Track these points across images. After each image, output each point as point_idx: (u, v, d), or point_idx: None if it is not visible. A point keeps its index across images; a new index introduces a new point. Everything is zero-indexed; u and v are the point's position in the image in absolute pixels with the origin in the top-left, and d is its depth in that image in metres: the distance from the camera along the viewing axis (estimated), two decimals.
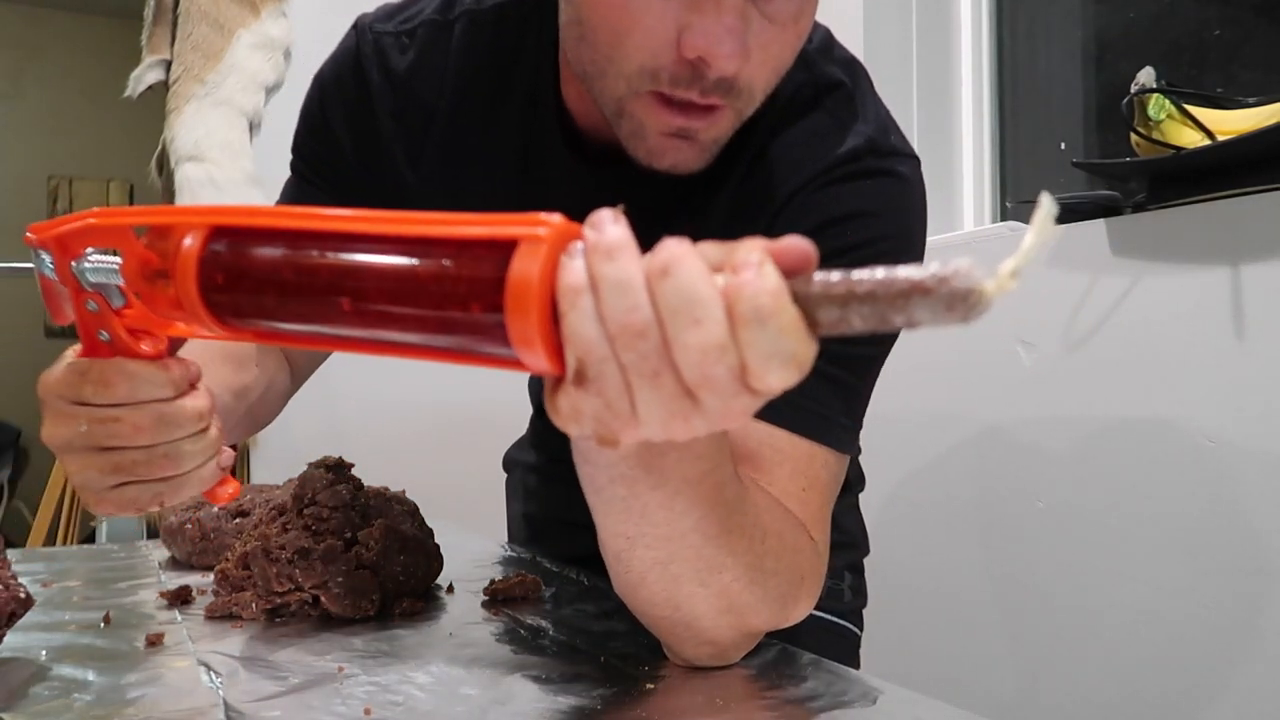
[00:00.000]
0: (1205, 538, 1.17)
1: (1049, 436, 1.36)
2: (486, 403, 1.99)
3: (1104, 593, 1.28)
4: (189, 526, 0.91)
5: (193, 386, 0.53)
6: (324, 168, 0.78)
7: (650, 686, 0.57)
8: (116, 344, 0.50)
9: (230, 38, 1.84)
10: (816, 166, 0.66)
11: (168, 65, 1.87)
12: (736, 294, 0.33)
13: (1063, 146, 1.66)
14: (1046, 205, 0.31)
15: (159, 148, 1.87)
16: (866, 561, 0.97)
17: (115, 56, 2.73)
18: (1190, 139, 1.17)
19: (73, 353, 0.52)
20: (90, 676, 0.57)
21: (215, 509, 0.91)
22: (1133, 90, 1.21)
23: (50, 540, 2.29)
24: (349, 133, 0.75)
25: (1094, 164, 1.40)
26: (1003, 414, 1.43)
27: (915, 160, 0.69)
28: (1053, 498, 1.36)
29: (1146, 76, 1.20)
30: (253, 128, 1.87)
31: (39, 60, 4.19)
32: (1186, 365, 1.19)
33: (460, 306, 0.37)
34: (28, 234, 0.49)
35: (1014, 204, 1.73)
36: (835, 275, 0.33)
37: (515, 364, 0.38)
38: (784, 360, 0.33)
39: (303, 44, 1.93)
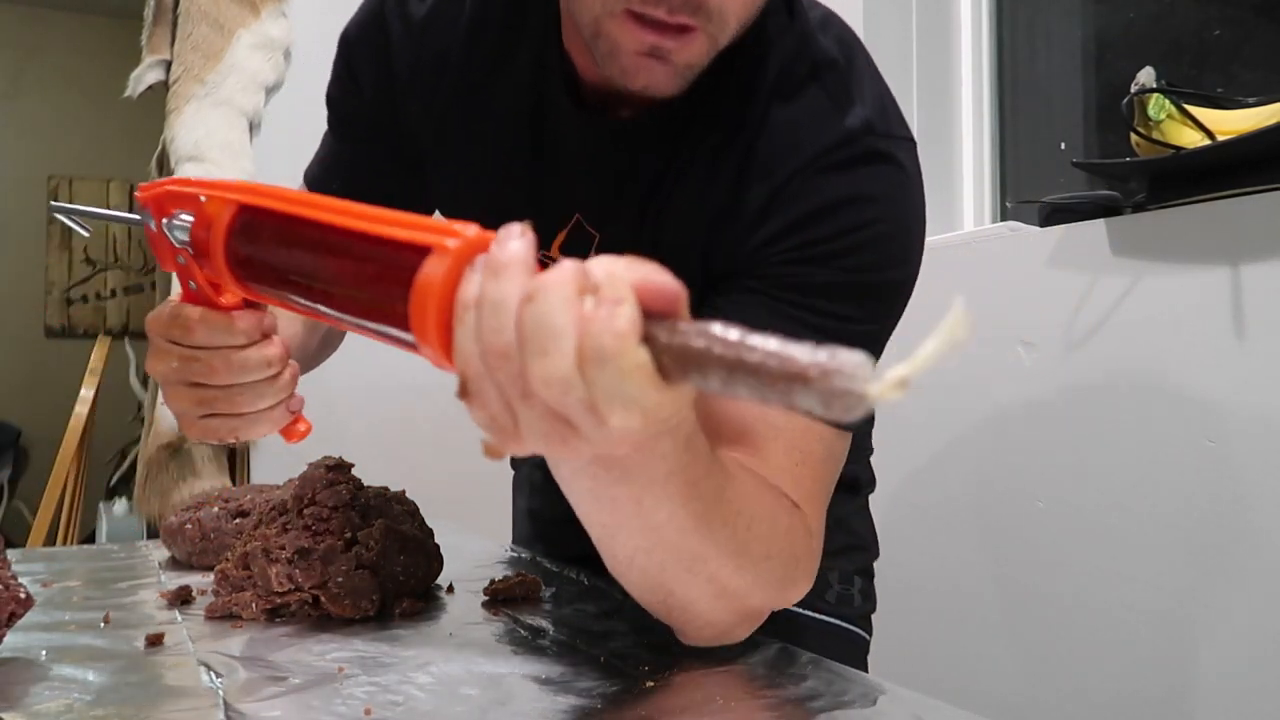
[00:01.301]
0: (1205, 538, 1.17)
1: (1049, 437, 1.36)
2: None
3: (1103, 593, 1.28)
4: (189, 527, 0.91)
5: (265, 336, 0.59)
6: (351, 119, 0.81)
7: (650, 685, 0.57)
8: (201, 293, 0.57)
9: (230, 38, 1.84)
10: (813, 149, 0.66)
11: (168, 65, 1.87)
12: (585, 329, 0.33)
13: (1063, 146, 1.66)
14: (958, 310, 0.27)
15: (159, 148, 1.87)
16: None
17: (115, 56, 2.73)
18: (1190, 139, 1.17)
19: (175, 297, 0.59)
20: (90, 676, 0.57)
21: (215, 509, 0.91)
22: (1133, 90, 1.21)
23: (50, 540, 2.29)
24: (371, 83, 0.78)
25: (1094, 164, 1.40)
26: (1003, 414, 1.43)
27: (912, 144, 0.70)
28: (1053, 498, 1.36)
29: (1146, 76, 1.20)
30: (253, 128, 1.87)
31: (39, 60, 4.19)
32: (1186, 365, 1.19)
33: (399, 301, 0.39)
34: (137, 192, 0.57)
35: (1014, 204, 1.73)
36: (717, 332, 0.30)
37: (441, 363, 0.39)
38: (625, 404, 0.32)
39: (303, 44, 1.93)
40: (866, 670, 0.89)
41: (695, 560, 0.54)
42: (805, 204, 0.65)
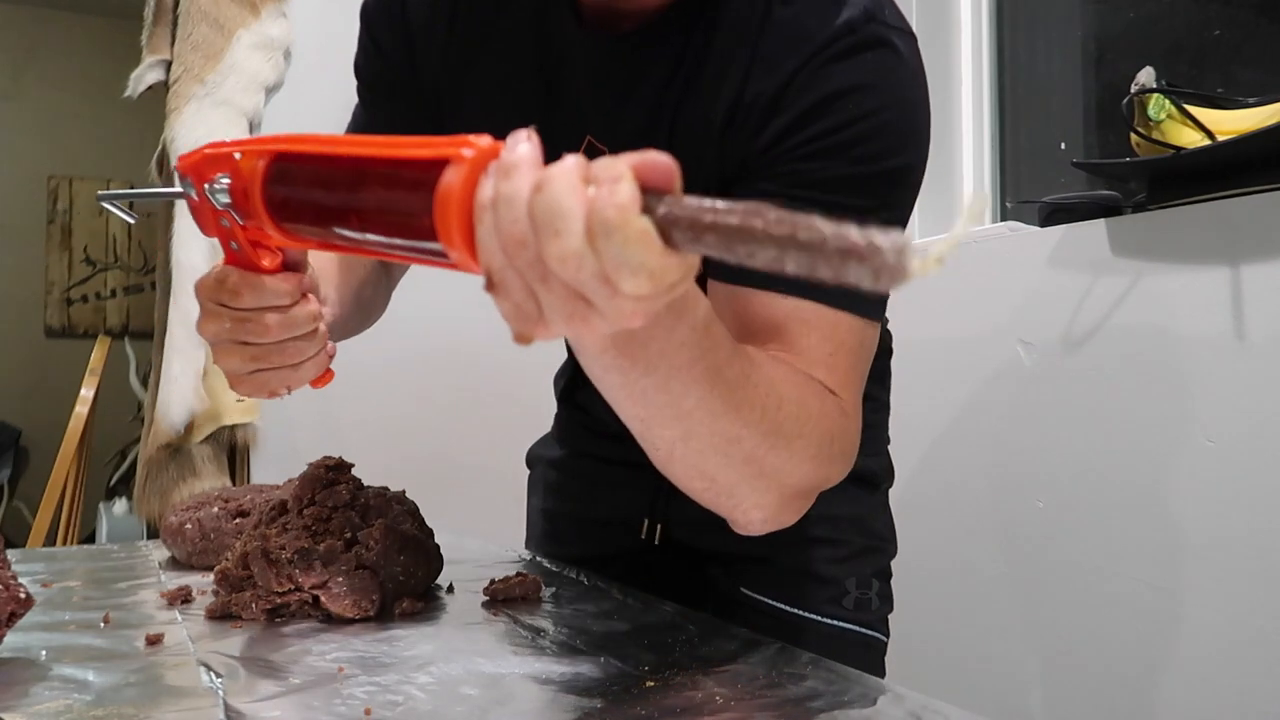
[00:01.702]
0: (1206, 538, 1.17)
1: (1049, 436, 1.36)
2: (487, 404, 1.99)
3: (1102, 593, 1.28)
4: (189, 527, 0.91)
5: (305, 295, 0.63)
6: (377, 84, 0.85)
7: (650, 685, 0.57)
8: (243, 253, 0.60)
9: (230, 38, 1.84)
10: (817, 42, 0.67)
11: (168, 65, 1.87)
12: (591, 207, 0.36)
13: (1063, 146, 1.66)
14: (975, 195, 0.32)
15: (159, 148, 1.87)
16: None
17: (115, 56, 2.73)
18: (1190, 139, 1.17)
19: (220, 261, 0.63)
20: (90, 676, 0.57)
21: (215, 509, 0.91)
22: (1133, 90, 1.21)
23: (50, 540, 2.29)
24: (391, 46, 0.81)
25: (1094, 164, 1.40)
26: (1003, 414, 1.43)
27: (911, 36, 0.71)
28: (1052, 498, 1.36)
29: (1146, 76, 1.20)
30: (253, 128, 1.87)
31: (39, 60, 4.19)
32: (1186, 365, 1.19)
33: (425, 214, 0.42)
34: (175, 164, 0.60)
35: (1014, 204, 1.73)
36: (708, 203, 0.34)
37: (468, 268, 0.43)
38: (633, 269, 0.36)
39: (303, 44, 1.93)
40: (884, 672, 0.89)
41: (730, 442, 0.56)
42: (812, 95, 0.67)
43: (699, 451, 0.57)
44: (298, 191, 0.51)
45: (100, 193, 0.68)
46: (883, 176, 0.67)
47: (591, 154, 0.73)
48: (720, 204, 0.34)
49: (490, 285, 0.41)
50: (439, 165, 0.41)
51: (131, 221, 0.72)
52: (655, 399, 0.53)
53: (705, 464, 0.58)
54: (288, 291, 0.62)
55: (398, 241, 0.45)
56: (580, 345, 0.52)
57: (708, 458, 0.57)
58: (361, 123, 0.89)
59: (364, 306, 0.89)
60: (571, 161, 0.38)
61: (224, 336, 0.63)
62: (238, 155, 0.55)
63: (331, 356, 0.69)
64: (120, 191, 0.70)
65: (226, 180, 0.56)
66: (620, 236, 0.36)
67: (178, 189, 0.61)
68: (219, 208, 0.57)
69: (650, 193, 0.36)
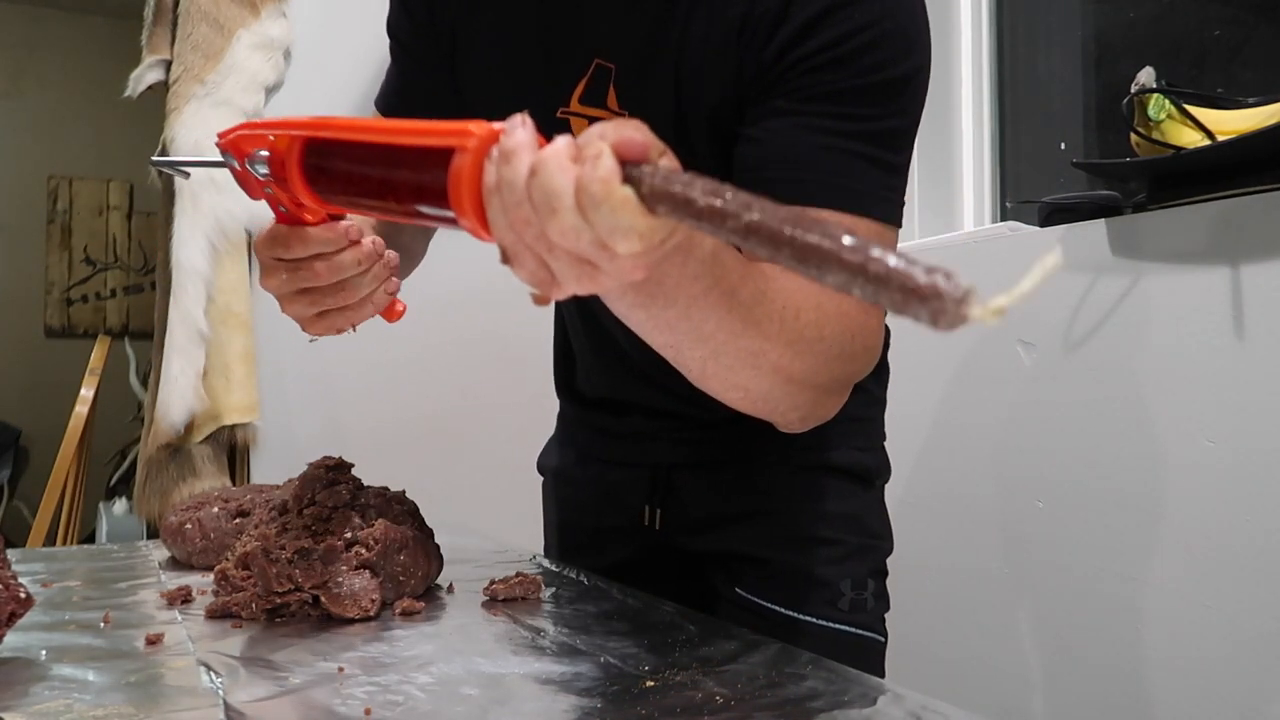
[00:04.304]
0: (1206, 538, 1.17)
1: (1049, 436, 1.36)
2: (487, 404, 1.99)
3: (1102, 593, 1.28)
4: (189, 527, 0.91)
5: (352, 241, 0.68)
6: (407, 43, 0.92)
7: (650, 685, 0.57)
8: (290, 214, 0.66)
9: (230, 38, 1.84)
10: None
11: (168, 65, 1.87)
12: (578, 183, 0.41)
13: (1063, 146, 1.66)
14: (1052, 254, 0.31)
15: (159, 148, 1.87)
16: None
17: (115, 56, 2.73)
18: (1190, 139, 1.17)
19: (271, 221, 0.68)
20: (90, 676, 0.57)
21: (215, 509, 0.91)
22: (1133, 90, 1.21)
23: (50, 540, 2.29)
24: (418, 5, 0.88)
25: (1094, 164, 1.40)
26: (1003, 414, 1.43)
27: None
28: (1052, 498, 1.36)
29: (1146, 76, 1.20)
30: None
31: (39, 60, 4.18)
32: (1186, 365, 1.19)
33: (441, 194, 0.47)
34: (216, 140, 0.65)
35: (1014, 204, 1.73)
36: (676, 174, 0.38)
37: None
38: (624, 233, 0.41)
39: (303, 44, 1.93)
40: (883, 672, 0.88)
41: (755, 355, 0.60)
42: (816, 4, 0.69)
43: (729, 367, 0.61)
44: (330, 170, 0.56)
45: (153, 158, 0.75)
46: (890, 84, 0.71)
47: (600, 76, 0.77)
48: (688, 176, 0.38)
49: (505, 258, 0.46)
50: (448, 152, 0.46)
51: (186, 178, 0.77)
52: (679, 326, 0.57)
53: (736, 377, 0.62)
54: (332, 240, 0.67)
55: (423, 212, 0.50)
56: (606, 292, 0.56)
57: (738, 372, 0.61)
58: (394, 77, 0.95)
59: (403, 250, 0.94)
60: (561, 143, 0.42)
61: (285, 287, 0.70)
62: (271, 136, 0.60)
63: (394, 291, 0.74)
64: (169, 159, 0.78)
65: (265, 154, 0.61)
66: (607, 207, 0.40)
67: (220, 159, 0.66)
68: (260, 178, 0.62)
69: (630, 164, 0.40)
